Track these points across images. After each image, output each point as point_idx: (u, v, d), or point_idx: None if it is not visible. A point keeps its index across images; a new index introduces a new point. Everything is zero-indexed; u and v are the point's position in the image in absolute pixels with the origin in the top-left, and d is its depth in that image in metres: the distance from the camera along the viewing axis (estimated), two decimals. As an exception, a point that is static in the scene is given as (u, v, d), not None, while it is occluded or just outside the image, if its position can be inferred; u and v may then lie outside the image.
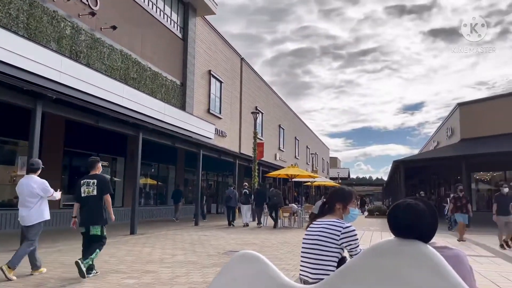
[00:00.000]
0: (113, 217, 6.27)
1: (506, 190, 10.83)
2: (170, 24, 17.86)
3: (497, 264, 7.90)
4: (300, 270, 2.63)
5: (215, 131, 19.55)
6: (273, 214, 15.72)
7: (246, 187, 16.78)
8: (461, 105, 22.87)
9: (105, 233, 5.98)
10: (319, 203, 10.62)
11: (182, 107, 17.80)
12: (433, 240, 1.94)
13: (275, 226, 15.43)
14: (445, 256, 1.57)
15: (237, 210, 16.79)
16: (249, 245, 9.89)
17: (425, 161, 24.10)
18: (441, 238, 12.27)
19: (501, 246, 10.46)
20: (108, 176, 6.09)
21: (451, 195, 15.66)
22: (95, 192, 5.84)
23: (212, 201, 20.26)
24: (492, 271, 6.99)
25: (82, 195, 5.86)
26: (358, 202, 40.32)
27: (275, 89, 34.47)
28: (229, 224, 15.78)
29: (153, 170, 18.30)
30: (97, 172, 6.08)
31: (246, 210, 16.14)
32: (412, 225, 1.59)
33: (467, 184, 19.71)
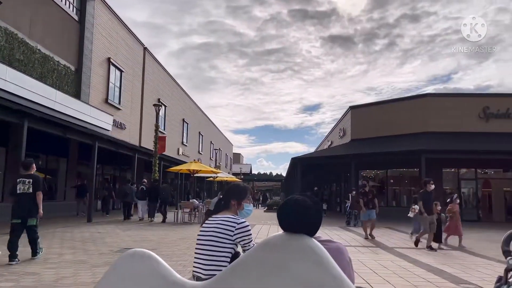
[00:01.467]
0: (41, 212, 6.74)
1: (432, 187, 9.84)
2: (65, 4, 16.39)
3: (377, 253, 8.76)
4: (194, 266, 2.60)
5: (113, 122, 18.52)
6: (162, 209, 16.41)
7: (144, 183, 16.94)
8: (352, 108, 24.90)
9: (37, 224, 6.76)
10: (215, 199, 10.76)
11: (77, 95, 16.49)
12: (318, 234, 2.06)
13: (163, 221, 15.81)
14: (328, 249, 1.66)
15: (135, 206, 16.78)
16: (146, 242, 9.56)
17: (319, 159, 25.79)
18: (343, 234, 13.23)
19: (430, 247, 9.36)
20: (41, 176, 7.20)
21: (353, 192, 16.52)
22: (30, 190, 6.58)
23: (108, 196, 19.21)
24: (372, 260, 7.74)
25: (18, 191, 6.57)
26: (261, 197, 41.57)
27: (180, 82, 33.78)
28: (125, 219, 15.94)
29: (40, 162, 16.64)
30: (32, 172, 6.79)
31: (142, 205, 16.41)
32: (300, 220, 1.66)
33: (355, 180, 21.58)
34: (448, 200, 11.03)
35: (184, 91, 33.39)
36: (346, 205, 16.82)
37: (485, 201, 21.68)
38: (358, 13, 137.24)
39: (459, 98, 21.97)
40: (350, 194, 16.65)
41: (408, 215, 11.58)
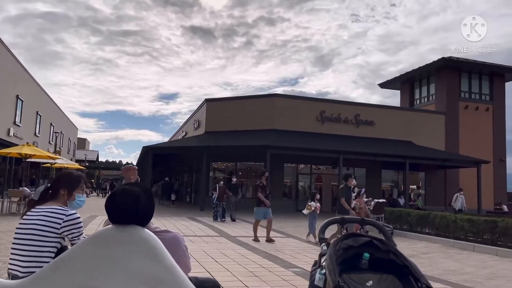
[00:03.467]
0: None
1: (354, 182, 9.18)
2: None
3: (220, 242, 9.13)
4: (9, 263, 2.28)
5: None
6: None
7: None
8: (208, 101, 25.33)
9: None
10: (41, 188, 9.56)
11: None
12: (155, 225, 2.02)
13: None
14: (163, 239, 1.64)
15: None
16: (-44, 237, 8.06)
17: (173, 149, 25.58)
18: (190, 225, 13.21)
19: None
20: None
21: (221, 182, 15.31)
22: None
23: None
24: (215, 249, 8.02)
25: None
26: (108, 187, 39.09)
27: (16, 53, 29.35)
28: None
29: None
30: None
31: None
32: (130, 210, 1.59)
33: (206, 172, 22.06)
34: (355, 194, 10.50)
35: (20, 63, 29.11)
36: (213, 196, 15.08)
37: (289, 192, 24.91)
38: (220, 8, 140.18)
39: (301, 101, 24.36)
40: (217, 185, 15.27)
41: (303, 211, 10.33)
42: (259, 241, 9.31)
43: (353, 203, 9.34)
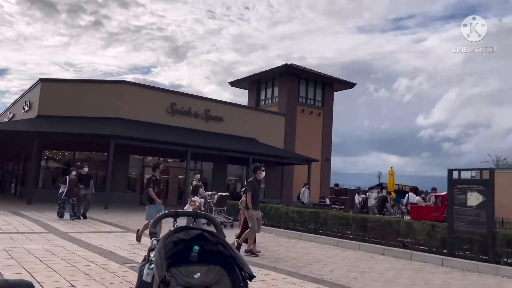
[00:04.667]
0: None
1: (263, 174, 8.30)
2: None
3: (47, 239, 8.18)
4: None
5: None
6: None
7: None
8: (43, 80, 22.50)
9: None
10: None
11: None
12: None
13: None
14: None
15: None
16: None
17: (-5, 133, 21.92)
18: (12, 220, 11.45)
19: (251, 252, 7.99)
20: None
21: (73, 172, 13.01)
22: None
23: None
24: (41, 247, 7.15)
25: None
26: None
27: None
28: None
29: None
30: None
31: None
32: None
33: (37, 160, 19.58)
34: (243, 190, 9.69)
35: None
36: (61, 190, 12.94)
37: (163, 187, 24.41)
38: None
39: (152, 91, 23.63)
40: (68, 176, 13.05)
41: (185, 208, 9.31)
42: (139, 242, 8.39)
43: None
